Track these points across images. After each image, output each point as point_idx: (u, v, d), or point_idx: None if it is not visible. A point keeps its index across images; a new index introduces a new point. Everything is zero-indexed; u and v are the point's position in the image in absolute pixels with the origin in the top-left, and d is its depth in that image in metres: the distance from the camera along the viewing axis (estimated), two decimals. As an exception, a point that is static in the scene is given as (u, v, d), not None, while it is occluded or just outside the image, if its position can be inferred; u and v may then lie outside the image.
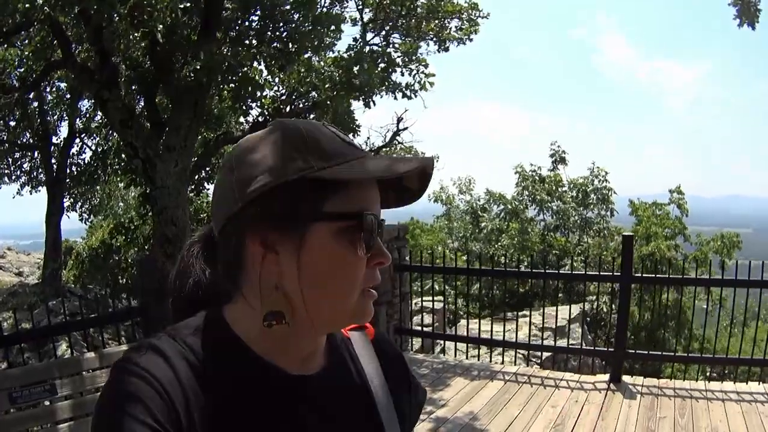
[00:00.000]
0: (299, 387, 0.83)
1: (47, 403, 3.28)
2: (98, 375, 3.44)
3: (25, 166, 13.36)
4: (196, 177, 10.18)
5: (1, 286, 13.49)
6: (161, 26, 5.74)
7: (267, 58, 7.78)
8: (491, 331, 6.33)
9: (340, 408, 0.87)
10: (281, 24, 7.17)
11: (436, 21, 10.75)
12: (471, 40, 11.23)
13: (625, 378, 5.46)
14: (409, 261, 6.91)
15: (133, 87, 6.86)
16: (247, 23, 7.23)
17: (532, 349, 6.42)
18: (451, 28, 11.02)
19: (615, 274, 5.71)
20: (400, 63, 8.59)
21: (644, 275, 5.62)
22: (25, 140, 12.70)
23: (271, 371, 0.80)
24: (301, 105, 9.89)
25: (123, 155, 10.26)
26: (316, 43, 7.55)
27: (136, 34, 5.96)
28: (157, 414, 0.69)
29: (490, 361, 6.34)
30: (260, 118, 9.82)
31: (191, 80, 6.60)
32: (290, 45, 7.31)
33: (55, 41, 6.86)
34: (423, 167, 0.81)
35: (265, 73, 8.20)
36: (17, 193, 13.27)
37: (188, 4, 6.22)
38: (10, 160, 13.03)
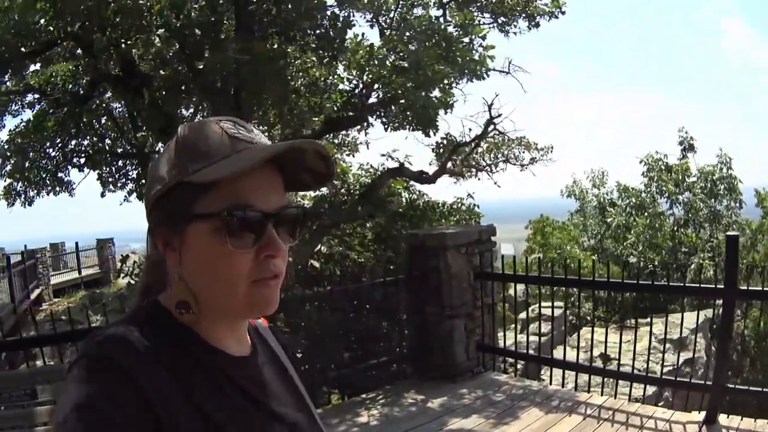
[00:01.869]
0: (245, 367, 0.88)
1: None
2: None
3: (131, 173, 13.88)
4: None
5: (117, 289, 14.34)
6: (162, 30, 5.33)
7: (315, 49, 7.22)
8: (605, 342, 5.42)
9: (273, 385, 0.92)
10: (313, 11, 6.54)
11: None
12: (563, 12, 10.49)
13: (722, 419, 4.52)
14: (491, 268, 5.96)
15: (164, 93, 6.63)
16: (284, 15, 6.70)
17: (621, 378, 5.48)
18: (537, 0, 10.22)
19: (717, 287, 4.70)
20: (456, 37, 7.59)
21: (750, 288, 4.52)
22: (127, 149, 13.14)
23: (220, 354, 0.85)
24: (383, 97, 9.31)
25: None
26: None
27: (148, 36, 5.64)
28: (135, 414, 0.69)
29: (575, 388, 5.49)
30: (333, 115, 9.32)
31: (227, 78, 6.19)
32: (330, 32, 6.69)
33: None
34: (314, 150, 0.83)
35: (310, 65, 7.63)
36: (124, 199, 13.84)
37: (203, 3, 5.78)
38: (113, 168, 13.59)
